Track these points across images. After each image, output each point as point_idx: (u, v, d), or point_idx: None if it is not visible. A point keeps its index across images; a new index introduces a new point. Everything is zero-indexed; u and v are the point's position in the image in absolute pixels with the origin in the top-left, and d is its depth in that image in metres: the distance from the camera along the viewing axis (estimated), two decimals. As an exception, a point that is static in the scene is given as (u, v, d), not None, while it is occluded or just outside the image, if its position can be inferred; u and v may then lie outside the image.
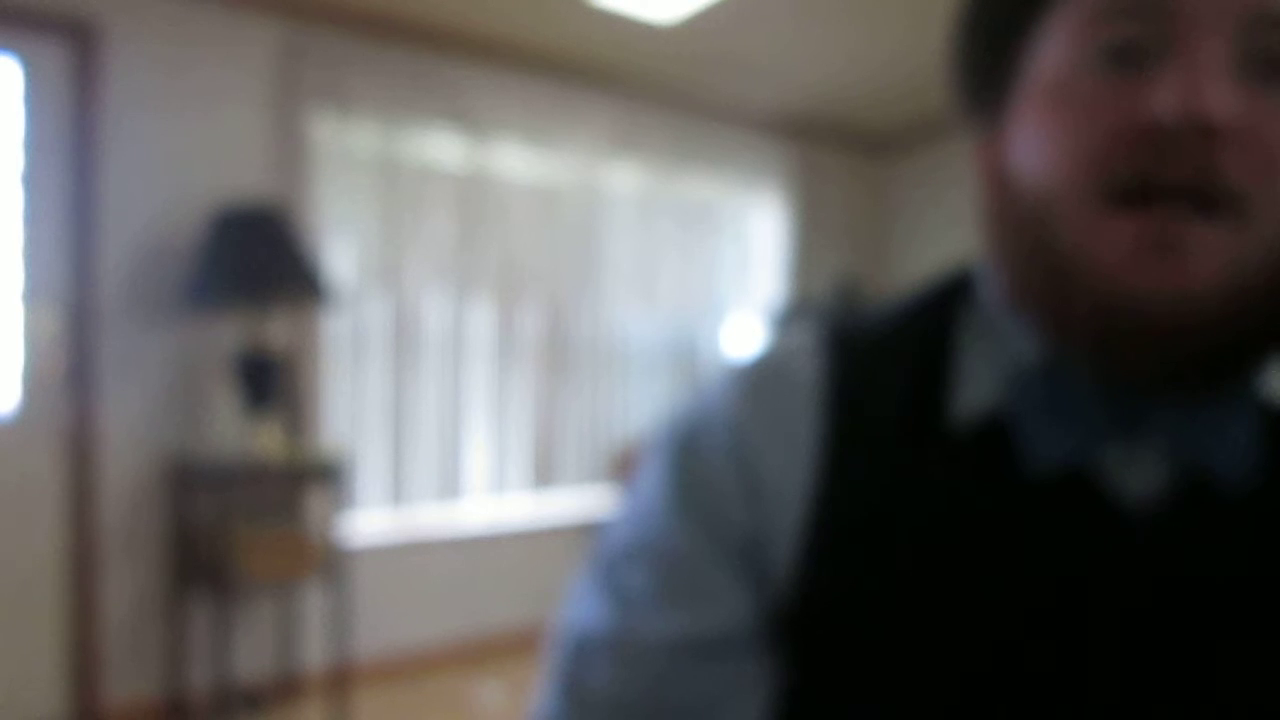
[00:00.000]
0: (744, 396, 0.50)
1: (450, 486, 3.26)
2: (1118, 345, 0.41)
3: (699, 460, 0.49)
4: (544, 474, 3.48)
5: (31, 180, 2.49)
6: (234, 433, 2.76)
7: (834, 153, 4.27)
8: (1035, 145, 0.43)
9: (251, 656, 2.85)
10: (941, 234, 4.19)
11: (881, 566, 0.45)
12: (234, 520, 2.65)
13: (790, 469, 0.47)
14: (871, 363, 0.50)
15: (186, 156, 2.71)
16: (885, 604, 0.44)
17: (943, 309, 0.51)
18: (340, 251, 2.98)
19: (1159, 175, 0.39)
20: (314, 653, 2.94)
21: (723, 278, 3.94)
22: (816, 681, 0.46)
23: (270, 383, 2.57)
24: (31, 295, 2.50)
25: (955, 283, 0.52)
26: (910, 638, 0.44)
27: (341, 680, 2.72)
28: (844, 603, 0.45)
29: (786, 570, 0.46)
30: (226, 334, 2.77)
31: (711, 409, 0.51)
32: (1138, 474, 0.44)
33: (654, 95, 3.64)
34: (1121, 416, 0.44)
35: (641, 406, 3.74)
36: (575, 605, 0.50)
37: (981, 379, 0.47)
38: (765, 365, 0.51)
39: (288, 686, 2.89)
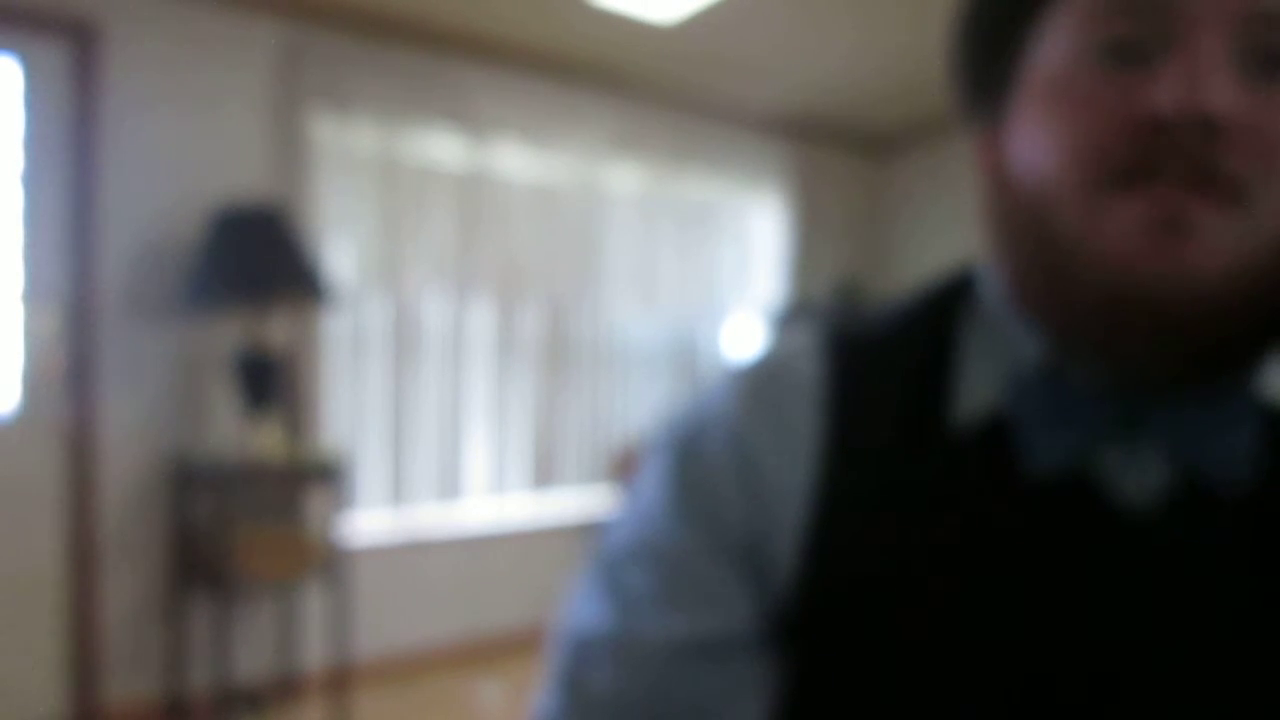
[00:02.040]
0: (744, 397, 0.50)
1: (450, 486, 3.26)
2: (1122, 336, 0.41)
3: (699, 461, 0.49)
4: (544, 474, 3.48)
5: (31, 180, 2.49)
6: (234, 433, 2.76)
7: (834, 153, 4.27)
8: (1035, 141, 0.43)
9: (251, 656, 2.85)
10: (941, 234, 4.19)
11: (881, 567, 0.45)
12: (234, 520, 2.64)
13: (791, 470, 0.47)
14: (872, 364, 0.50)
15: (186, 156, 2.71)
16: (885, 605, 0.44)
17: (943, 310, 0.51)
18: (340, 251, 2.98)
19: (1159, 166, 0.39)
20: (314, 653, 2.94)
21: (723, 278, 3.94)
22: (818, 682, 0.46)
23: (270, 383, 2.57)
24: (31, 295, 2.50)
25: (956, 284, 0.52)
26: (910, 638, 0.44)
27: (341, 680, 2.72)
28: (844, 603, 0.45)
29: (787, 571, 0.46)
30: (226, 334, 2.77)
31: (712, 410, 0.51)
32: (1138, 475, 0.44)
33: (654, 95, 3.64)
34: (1121, 418, 0.44)
35: (641, 406, 3.74)
36: (576, 606, 0.50)
37: (982, 380, 0.47)
38: (766, 366, 0.51)
39: (288, 686, 2.89)
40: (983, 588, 0.43)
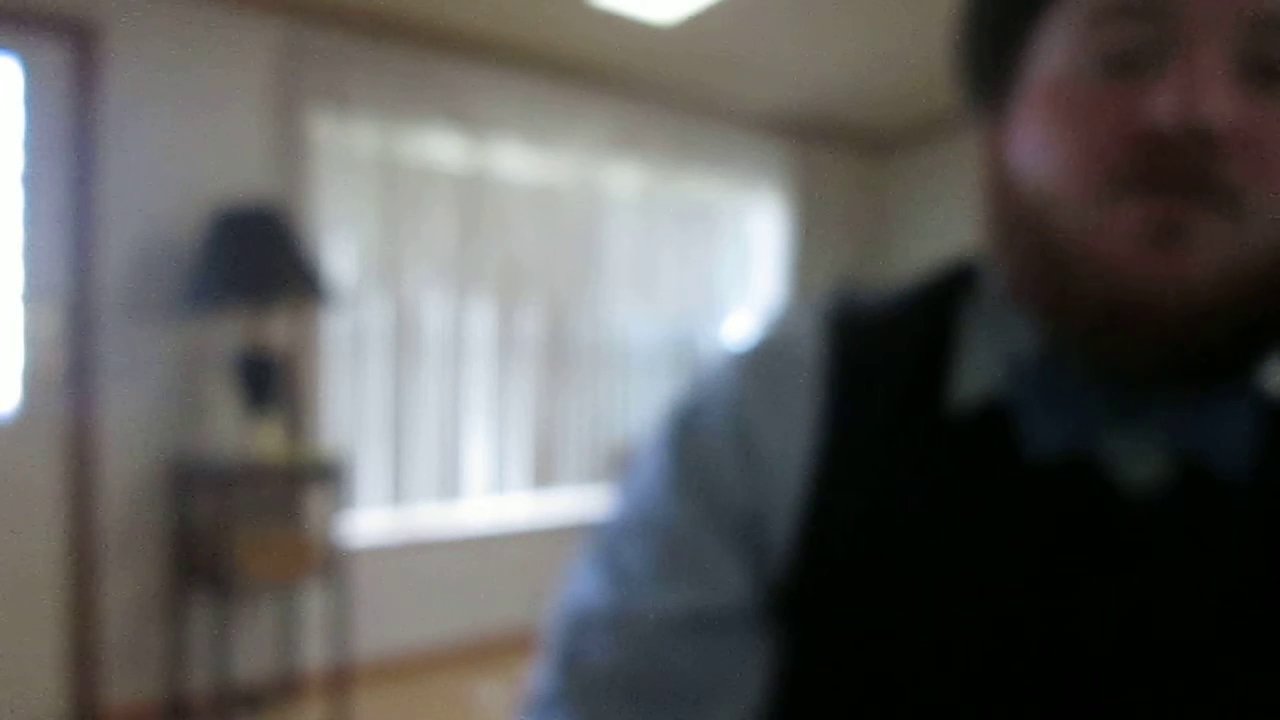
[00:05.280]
0: (745, 376, 0.50)
1: (450, 486, 3.26)
2: (1117, 337, 0.41)
3: (699, 438, 0.49)
4: (544, 474, 3.48)
5: (31, 180, 2.49)
6: (234, 433, 2.76)
7: (834, 153, 4.27)
8: (1036, 144, 0.43)
9: (251, 656, 2.85)
10: (941, 233, 4.19)
11: (878, 545, 0.45)
12: (234, 520, 2.64)
13: (790, 447, 0.48)
14: (873, 345, 0.50)
15: (186, 156, 2.71)
16: (881, 582, 0.44)
17: (945, 295, 0.51)
18: (340, 251, 2.99)
19: (1157, 177, 0.39)
20: (314, 653, 2.94)
21: (723, 278, 3.94)
22: (814, 658, 0.46)
23: (270, 383, 2.57)
24: (31, 295, 2.50)
25: (958, 271, 0.53)
26: (906, 617, 0.43)
27: (341, 680, 2.72)
28: (841, 580, 0.45)
29: (785, 547, 0.46)
30: (226, 334, 2.77)
31: (712, 388, 0.51)
32: (1137, 463, 0.44)
33: (654, 95, 3.64)
34: (1120, 405, 0.44)
35: (641, 406, 3.74)
36: (574, 582, 0.50)
37: (982, 364, 0.47)
38: (766, 346, 0.52)
39: (288, 686, 2.89)
40: (980, 567, 0.43)
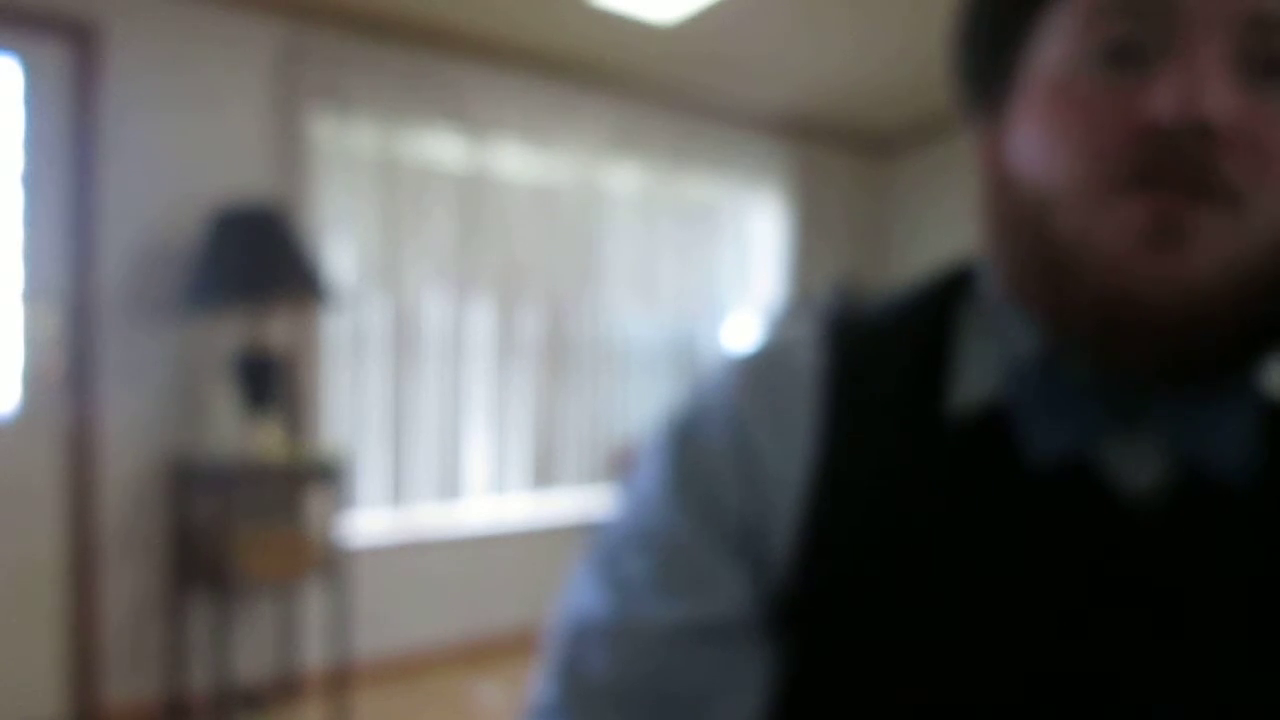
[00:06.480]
0: (743, 385, 0.50)
1: (450, 486, 3.26)
2: (1117, 337, 0.41)
3: (698, 448, 0.49)
4: (544, 474, 3.48)
5: (31, 180, 2.49)
6: (234, 433, 2.76)
7: (834, 153, 4.27)
8: (1035, 143, 0.43)
9: (251, 656, 2.85)
10: (941, 234, 4.19)
11: (879, 553, 0.45)
12: (234, 520, 2.64)
13: (789, 456, 0.47)
14: (871, 352, 0.50)
15: (186, 156, 2.71)
16: (882, 591, 0.44)
17: (943, 300, 0.51)
18: (340, 251, 2.99)
19: (1157, 173, 0.39)
20: (314, 653, 2.94)
21: (723, 278, 3.94)
22: (815, 668, 0.45)
23: (270, 383, 2.57)
24: (31, 295, 2.50)
25: (956, 275, 0.53)
26: (907, 625, 0.43)
27: (341, 680, 2.72)
28: (841, 589, 0.45)
29: (785, 557, 0.46)
30: (226, 334, 2.77)
31: (711, 398, 0.51)
32: (1137, 466, 0.44)
33: (654, 95, 3.64)
34: (1120, 409, 0.44)
35: (641, 406, 3.74)
36: (574, 593, 0.50)
37: (981, 369, 0.47)
38: (765, 355, 0.52)
39: (288, 686, 2.89)
40: (981, 573, 0.43)
